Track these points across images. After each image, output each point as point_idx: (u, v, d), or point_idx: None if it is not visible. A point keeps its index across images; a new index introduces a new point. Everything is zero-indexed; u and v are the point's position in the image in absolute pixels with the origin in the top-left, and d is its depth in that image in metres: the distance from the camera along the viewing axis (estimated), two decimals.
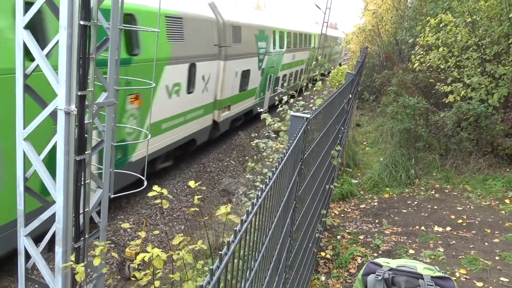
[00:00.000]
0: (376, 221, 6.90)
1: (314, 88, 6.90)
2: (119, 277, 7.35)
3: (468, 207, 7.03)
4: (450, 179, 8.29)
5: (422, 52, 10.95)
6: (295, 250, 3.15)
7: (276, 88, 19.65)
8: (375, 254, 5.60)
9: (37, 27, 6.16)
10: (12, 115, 4.17)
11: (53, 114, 3.80)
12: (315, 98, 6.49)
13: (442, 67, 10.35)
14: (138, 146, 9.55)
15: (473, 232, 6.12)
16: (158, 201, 3.79)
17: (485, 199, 7.29)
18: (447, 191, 7.88)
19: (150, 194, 3.73)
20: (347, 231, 6.52)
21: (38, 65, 3.80)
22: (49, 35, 6.54)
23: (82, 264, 3.68)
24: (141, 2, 8.69)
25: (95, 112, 4.13)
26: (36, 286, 7.02)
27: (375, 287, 1.79)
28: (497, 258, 5.27)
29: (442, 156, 9.12)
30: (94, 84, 3.96)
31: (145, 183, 5.49)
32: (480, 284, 4.69)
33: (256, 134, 9.67)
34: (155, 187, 3.76)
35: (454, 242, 5.82)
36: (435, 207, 7.18)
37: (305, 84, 7.80)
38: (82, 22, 3.54)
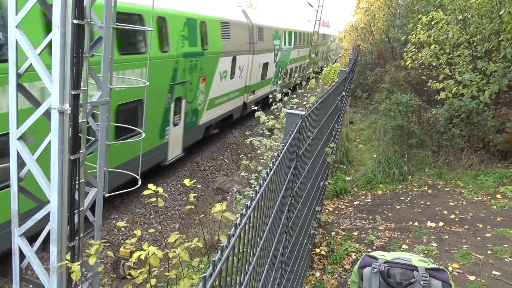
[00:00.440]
0: (370, 217, 6.96)
1: (308, 86, 6.93)
2: (114, 275, 7.35)
3: (461, 202, 7.10)
4: (442, 175, 8.36)
5: (414, 50, 11.02)
6: (291, 246, 3.17)
7: (285, 78, 23.44)
8: (369, 250, 5.65)
9: None
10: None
11: (47, 114, 3.79)
12: (308, 96, 6.52)
13: (434, 64, 10.44)
14: (203, 114, 13.58)
15: (466, 227, 6.19)
16: (153, 199, 3.80)
17: (477, 194, 7.37)
18: (439, 187, 7.95)
19: (145, 192, 3.73)
20: (341, 227, 6.57)
21: (31, 64, 3.79)
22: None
23: (78, 263, 3.68)
24: (173, 7, 11.04)
25: (89, 111, 4.12)
26: (31, 286, 7.00)
27: (371, 280, 1.82)
28: (489, 252, 5.34)
29: (435, 153, 9.20)
30: (88, 83, 3.95)
31: (140, 182, 5.49)
32: (472, 278, 4.75)
33: (250, 132, 9.68)
34: (150, 186, 3.77)
35: (447, 237, 5.88)
36: (428, 203, 7.25)
37: (299, 81, 7.83)
38: (75, 21, 3.53)
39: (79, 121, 3.85)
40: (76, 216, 4.05)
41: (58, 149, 3.73)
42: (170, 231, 9.30)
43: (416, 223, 6.50)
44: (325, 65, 19.39)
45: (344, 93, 6.80)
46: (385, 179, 8.58)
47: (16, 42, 3.76)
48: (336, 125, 6.23)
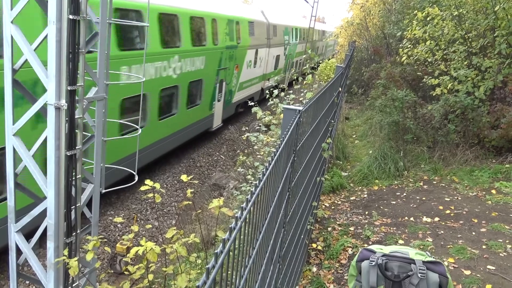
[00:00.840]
0: (366, 212, 6.99)
1: (304, 82, 6.93)
2: (111, 271, 7.35)
3: (456, 198, 7.15)
4: (438, 170, 8.40)
5: (409, 46, 11.05)
6: (288, 241, 3.19)
7: (292, 69, 26.15)
8: (365, 245, 5.66)
9: None
10: None
11: (43, 109, 3.77)
12: (305, 91, 6.52)
13: (429, 60, 10.47)
14: (235, 94, 17.19)
15: (461, 222, 6.23)
16: (150, 195, 3.79)
17: (472, 190, 7.42)
18: (435, 182, 8.00)
19: (143, 188, 3.73)
20: (337, 223, 6.60)
21: (26, 59, 3.77)
22: None
23: (76, 258, 3.67)
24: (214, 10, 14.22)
25: (85, 107, 4.10)
26: (27, 282, 7.00)
27: (369, 273, 1.83)
28: (484, 247, 5.38)
29: (430, 148, 9.24)
30: (84, 78, 3.93)
31: (136, 178, 5.49)
32: (468, 272, 4.78)
33: (247, 128, 9.70)
34: (147, 181, 3.76)
35: (442, 232, 5.92)
36: (424, 198, 7.29)
37: (295, 77, 7.83)
38: (71, 17, 3.51)
39: (76, 117, 3.84)
40: (73, 212, 4.03)
41: (54, 145, 3.71)
42: (167, 227, 9.30)
43: (412, 218, 6.53)
44: (320, 61, 20.92)
45: (340, 88, 6.81)
46: (381, 175, 8.61)
47: (12, 37, 3.74)
48: (332, 121, 6.25)
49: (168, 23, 10.79)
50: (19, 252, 4.29)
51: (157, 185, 3.79)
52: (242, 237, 1.22)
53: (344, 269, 5.23)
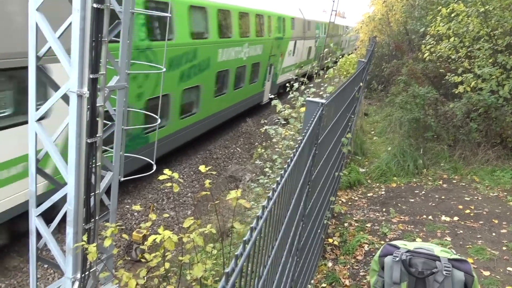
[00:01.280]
0: (383, 209, 6.91)
1: (326, 75, 6.86)
2: (128, 258, 7.45)
3: (476, 197, 7.02)
4: (458, 169, 8.26)
5: (432, 42, 10.82)
6: (306, 235, 3.17)
7: (314, 62, 27.90)
8: (382, 242, 5.62)
9: None
10: None
11: (66, 97, 3.82)
12: (325, 85, 6.46)
13: (452, 57, 10.24)
14: (279, 77, 21.07)
15: (481, 222, 6.12)
16: (168, 185, 3.80)
17: (493, 190, 7.27)
18: (455, 181, 7.86)
19: (161, 177, 3.74)
20: (354, 218, 6.54)
21: (50, 47, 3.81)
22: None
23: (95, 244, 3.72)
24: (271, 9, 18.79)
25: (107, 95, 4.13)
26: (46, 266, 7.14)
27: (392, 268, 1.79)
28: (504, 248, 5.28)
29: (451, 147, 9.07)
30: (106, 67, 3.95)
31: (154, 167, 5.53)
32: (487, 273, 4.70)
33: (265, 121, 9.68)
34: (166, 171, 3.77)
35: (461, 231, 5.83)
36: (443, 197, 7.17)
37: (316, 71, 7.76)
38: (95, 5, 3.52)
39: (97, 105, 3.87)
40: (92, 199, 4.09)
41: (76, 132, 3.76)
42: (182, 218, 9.37)
43: (430, 217, 6.44)
44: (340, 56, 21.54)
45: (361, 83, 6.72)
46: (400, 172, 8.50)
47: (36, 25, 3.78)
48: (352, 116, 6.18)
49: (243, 18, 15.08)
50: (39, 236, 4.38)
51: (176, 175, 3.80)
52: (268, 225, 1.21)
53: (360, 265, 5.19)
